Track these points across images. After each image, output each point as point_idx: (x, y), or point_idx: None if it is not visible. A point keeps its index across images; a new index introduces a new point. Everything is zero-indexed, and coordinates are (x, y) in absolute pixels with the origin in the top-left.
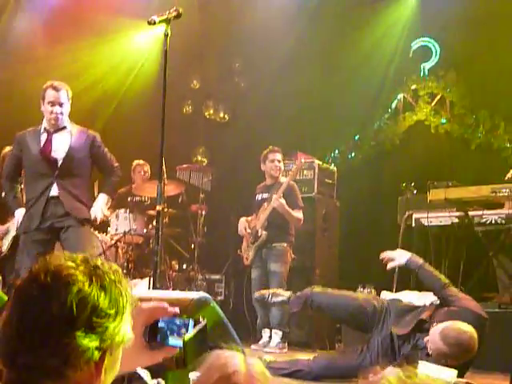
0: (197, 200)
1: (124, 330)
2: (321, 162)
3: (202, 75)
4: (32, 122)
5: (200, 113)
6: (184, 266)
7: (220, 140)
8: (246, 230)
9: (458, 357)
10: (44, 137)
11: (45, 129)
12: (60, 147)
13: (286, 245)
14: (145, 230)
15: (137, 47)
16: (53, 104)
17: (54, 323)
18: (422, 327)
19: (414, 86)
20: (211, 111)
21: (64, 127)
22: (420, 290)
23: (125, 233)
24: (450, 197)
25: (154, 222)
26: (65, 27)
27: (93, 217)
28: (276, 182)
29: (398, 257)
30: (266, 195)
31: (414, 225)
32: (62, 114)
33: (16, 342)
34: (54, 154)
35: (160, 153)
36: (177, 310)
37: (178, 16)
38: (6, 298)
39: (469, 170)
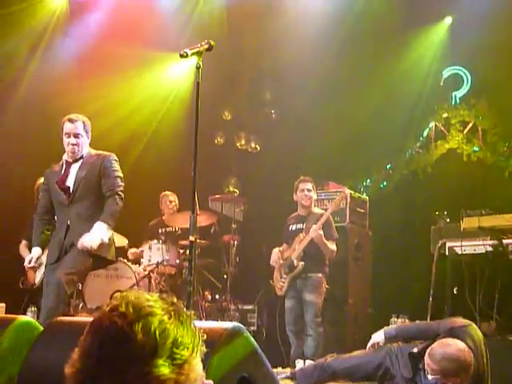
0: (229, 230)
1: (199, 367)
2: (353, 191)
3: (234, 106)
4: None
5: (232, 143)
6: (217, 297)
7: (252, 170)
8: (278, 260)
9: (452, 371)
10: (63, 168)
11: (65, 161)
12: (73, 176)
13: (321, 275)
14: (177, 261)
15: (169, 80)
16: (69, 136)
17: (138, 351)
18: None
19: (445, 115)
20: (243, 142)
21: (81, 157)
22: None
23: (158, 263)
24: (483, 225)
25: (187, 252)
26: (98, 61)
27: (79, 245)
28: (310, 212)
29: (374, 338)
30: (300, 225)
31: (447, 253)
32: (77, 144)
33: (96, 368)
34: (68, 183)
35: (192, 183)
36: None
37: (210, 48)
38: (41, 328)
39: (502, 197)
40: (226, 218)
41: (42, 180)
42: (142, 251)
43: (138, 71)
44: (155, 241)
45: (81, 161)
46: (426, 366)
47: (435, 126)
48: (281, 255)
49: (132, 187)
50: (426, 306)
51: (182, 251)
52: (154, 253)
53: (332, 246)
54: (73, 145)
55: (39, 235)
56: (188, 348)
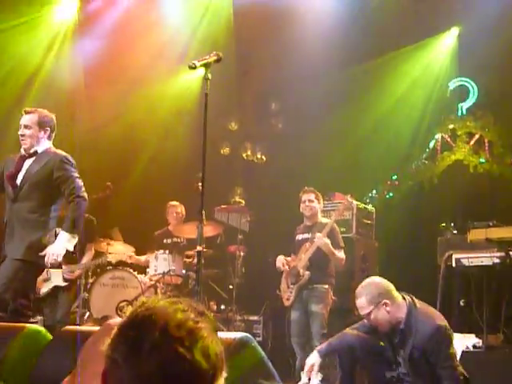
0: (235, 241)
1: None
2: (359, 203)
3: (240, 117)
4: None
5: (238, 154)
6: (222, 307)
7: (257, 181)
8: (284, 266)
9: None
10: (17, 160)
11: (20, 155)
12: (24, 171)
13: (327, 286)
14: (183, 271)
15: (175, 91)
16: (20, 127)
17: (205, 379)
18: None
19: (451, 126)
20: (249, 152)
21: (35, 152)
22: (462, 332)
23: (164, 273)
24: (491, 237)
25: (193, 262)
26: (105, 72)
27: (46, 259)
28: (315, 222)
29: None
30: (306, 235)
31: (454, 265)
32: (24, 136)
33: None
34: (17, 180)
35: (201, 193)
36: None
37: (218, 60)
38: (50, 337)
39: (509, 209)
40: (231, 229)
41: None
42: (148, 260)
43: (145, 82)
44: (161, 251)
45: (35, 157)
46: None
47: (441, 137)
48: (287, 264)
49: (138, 197)
50: None
51: (188, 260)
52: (160, 263)
53: (340, 254)
54: (21, 135)
55: None
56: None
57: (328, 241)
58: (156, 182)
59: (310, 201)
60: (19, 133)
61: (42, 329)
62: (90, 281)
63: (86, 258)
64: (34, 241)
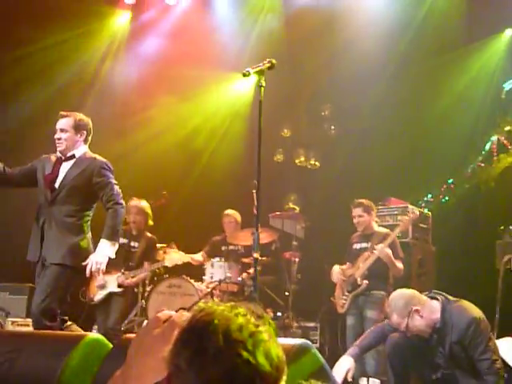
0: (290, 247)
1: None
2: (414, 207)
3: (293, 123)
4: (129, 171)
5: (291, 160)
6: (279, 314)
7: (311, 187)
8: (340, 277)
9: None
10: (54, 163)
11: (57, 157)
12: (62, 176)
13: (384, 293)
14: (239, 278)
15: (229, 98)
16: (56, 131)
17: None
18: None
19: (507, 128)
20: (302, 158)
21: (73, 155)
22: None
23: (220, 281)
24: None
25: (248, 270)
26: (160, 81)
27: (89, 267)
28: (373, 231)
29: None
30: (364, 244)
31: None
32: (60, 139)
33: None
34: (55, 183)
35: (256, 200)
36: None
37: (272, 67)
38: (110, 345)
39: None
40: (286, 235)
41: (133, 201)
42: (204, 259)
43: (199, 90)
44: (217, 258)
45: (73, 161)
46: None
47: (497, 139)
48: (343, 273)
49: (194, 204)
50: (492, 323)
51: (243, 268)
52: (216, 270)
53: (399, 265)
54: (57, 139)
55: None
56: None
57: (390, 251)
58: (211, 189)
59: (359, 216)
60: (55, 136)
61: (102, 337)
62: (148, 289)
63: (143, 274)
64: (72, 245)
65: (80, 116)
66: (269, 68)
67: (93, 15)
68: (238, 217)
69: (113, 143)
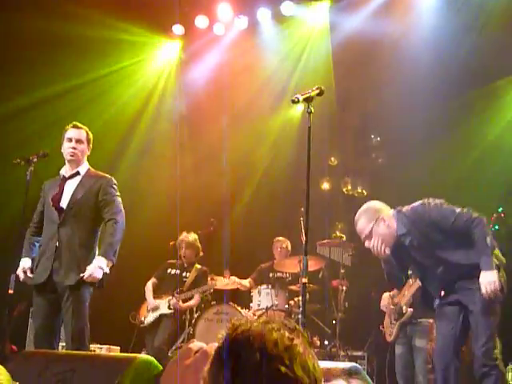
0: (337, 275)
1: None
2: None
3: (340, 151)
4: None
5: (338, 188)
6: (326, 342)
7: None
8: (389, 306)
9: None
10: (59, 183)
11: (62, 176)
12: (69, 195)
13: (431, 321)
14: (286, 306)
15: (277, 126)
16: (70, 140)
17: None
18: None
19: None
20: (349, 187)
21: (77, 173)
22: None
23: (267, 308)
24: None
25: (295, 298)
26: (208, 108)
27: (86, 275)
28: None
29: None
30: (410, 271)
31: None
32: (77, 150)
33: None
34: (62, 203)
35: (305, 226)
36: None
37: (320, 94)
38: (161, 367)
39: None
40: (334, 263)
41: (183, 236)
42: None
43: (247, 119)
44: (264, 286)
45: (78, 178)
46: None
47: None
48: (391, 301)
49: (243, 231)
50: None
51: (290, 296)
52: (263, 297)
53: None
54: (73, 148)
55: (30, 247)
56: None
57: None
58: (260, 216)
59: None
60: (70, 146)
61: (153, 359)
62: (195, 316)
63: (192, 301)
64: (87, 264)
65: (88, 130)
66: (318, 94)
67: (143, 46)
68: (288, 244)
69: (163, 170)
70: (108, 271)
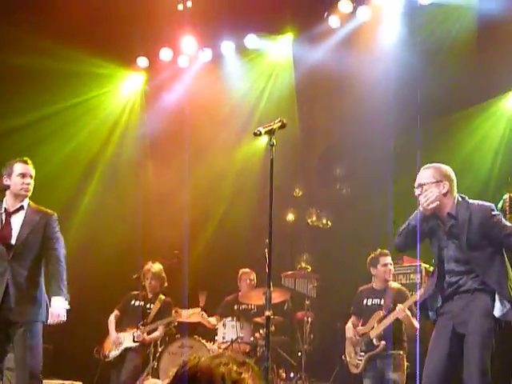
0: (302, 307)
1: None
2: (428, 265)
3: (304, 183)
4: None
5: (303, 220)
6: (291, 375)
7: (323, 246)
8: (354, 337)
9: None
10: (3, 218)
11: (5, 209)
12: (16, 231)
13: (402, 352)
14: (251, 338)
15: (240, 159)
16: (24, 176)
17: None
18: None
19: None
20: (314, 218)
21: (21, 207)
22: None
23: (232, 341)
24: None
25: (260, 330)
26: (171, 141)
27: (53, 320)
28: (386, 286)
29: None
30: (376, 301)
31: None
32: (30, 185)
33: None
34: (11, 240)
35: (268, 259)
36: None
37: (283, 126)
38: None
39: None
40: (299, 295)
41: (148, 266)
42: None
43: (210, 152)
44: (229, 318)
45: (22, 213)
46: None
47: (509, 197)
48: (355, 331)
49: (206, 264)
50: None
51: (255, 328)
52: (228, 330)
53: (416, 324)
54: (27, 184)
55: None
56: None
57: (409, 313)
58: (222, 249)
59: (390, 264)
60: (26, 181)
61: None
62: (159, 349)
63: (156, 333)
64: (39, 300)
65: None
66: (280, 127)
67: (107, 78)
68: (255, 276)
69: (124, 203)
70: (68, 307)
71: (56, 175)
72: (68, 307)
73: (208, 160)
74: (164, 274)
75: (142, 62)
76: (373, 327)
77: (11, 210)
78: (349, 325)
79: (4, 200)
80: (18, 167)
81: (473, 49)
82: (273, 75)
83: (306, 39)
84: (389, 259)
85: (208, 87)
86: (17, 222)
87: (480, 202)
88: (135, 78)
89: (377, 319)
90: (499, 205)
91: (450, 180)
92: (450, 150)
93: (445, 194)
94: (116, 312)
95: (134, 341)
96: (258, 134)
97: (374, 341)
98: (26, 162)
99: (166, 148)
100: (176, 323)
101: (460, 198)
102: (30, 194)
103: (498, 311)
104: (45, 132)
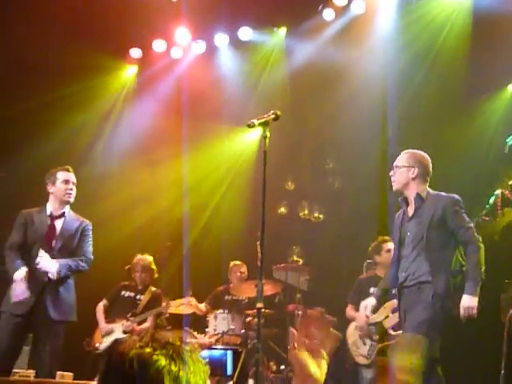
0: (293, 299)
1: None
2: None
3: (297, 176)
4: (134, 223)
5: (295, 213)
6: (282, 367)
7: (315, 239)
8: (365, 325)
9: None
10: (49, 221)
11: (50, 213)
12: (58, 234)
13: None
14: (242, 330)
15: (233, 151)
16: (67, 182)
17: None
18: None
19: (511, 182)
20: (306, 211)
21: (63, 212)
22: None
23: (223, 333)
24: None
25: (252, 322)
26: (165, 133)
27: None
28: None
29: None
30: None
31: None
32: (73, 190)
33: None
34: (53, 242)
35: (261, 251)
36: None
37: (276, 118)
38: None
39: None
40: (290, 288)
41: (138, 258)
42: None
43: (204, 143)
44: (220, 310)
45: (63, 219)
46: None
47: (501, 193)
48: (365, 320)
49: (197, 256)
50: (497, 378)
51: (249, 319)
52: (219, 322)
53: None
54: (70, 190)
55: (17, 266)
56: None
57: None
58: (215, 242)
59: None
60: (69, 187)
61: None
62: None
63: (146, 324)
64: (72, 302)
65: None
66: (274, 119)
67: (100, 69)
68: (245, 269)
69: (118, 196)
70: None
71: (41, 173)
72: (54, 272)
73: (202, 152)
74: (154, 266)
75: (136, 53)
76: (387, 316)
77: (55, 214)
78: (358, 313)
79: (47, 205)
80: (61, 175)
81: (467, 44)
82: (266, 68)
83: (299, 32)
84: (391, 245)
85: (201, 79)
86: (59, 226)
87: (450, 194)
88: (128, 69)
89: (390, 308)
90: (491, 200)
91: (422, 166)
92: (442, 146)
93: (413, 179)
94: (105, 301)
95: (123, 332)
96: (251, 126)
97: (391, 331)
98: (68, 170)
99: (159, 140)
100: (167, 315)
101: (432, 191)
102: (72, 199)
103: None
104: (38, 123)
